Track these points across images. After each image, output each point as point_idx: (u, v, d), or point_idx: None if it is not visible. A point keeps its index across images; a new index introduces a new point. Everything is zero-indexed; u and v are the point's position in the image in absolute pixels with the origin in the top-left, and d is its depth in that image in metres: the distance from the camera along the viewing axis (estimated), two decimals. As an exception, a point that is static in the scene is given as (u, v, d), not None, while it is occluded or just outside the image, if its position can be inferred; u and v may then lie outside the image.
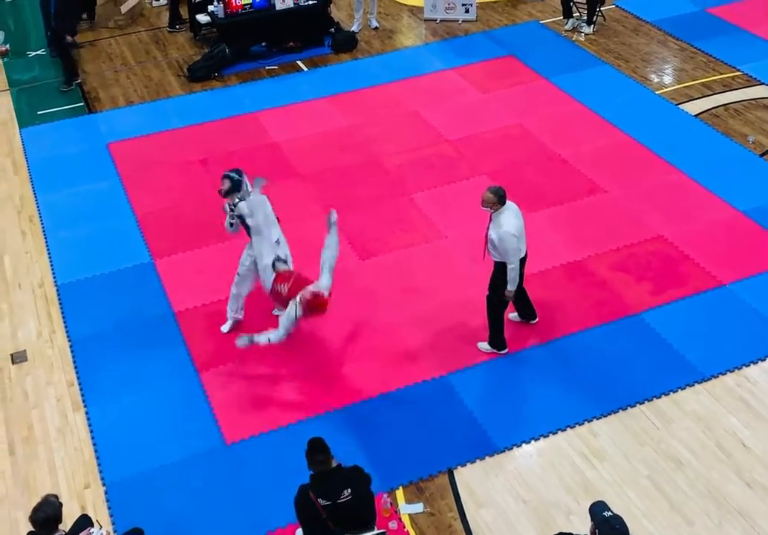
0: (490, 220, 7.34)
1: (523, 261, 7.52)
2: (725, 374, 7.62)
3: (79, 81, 12.93)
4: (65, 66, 12.85)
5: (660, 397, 7.45)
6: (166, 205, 10.21)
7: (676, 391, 7.50)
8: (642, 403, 7.41)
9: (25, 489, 6.99)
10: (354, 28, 14.06)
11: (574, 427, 7.25)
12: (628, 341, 8.00)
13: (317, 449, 5.71)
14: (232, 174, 7.81)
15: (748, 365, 7.67)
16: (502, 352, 7.95)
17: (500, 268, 7.44)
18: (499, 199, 7.23)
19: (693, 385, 7.54)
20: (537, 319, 8.23)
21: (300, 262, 8.05)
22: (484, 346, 7.99)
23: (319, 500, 5.61)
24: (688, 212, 9.55)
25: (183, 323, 8.53)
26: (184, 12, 14.60)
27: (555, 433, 7.22)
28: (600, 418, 7.31)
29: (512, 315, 8.24)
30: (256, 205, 7.75)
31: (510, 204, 7.34)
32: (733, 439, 7.06)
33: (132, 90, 12.83)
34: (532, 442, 7.17)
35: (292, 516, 5.86)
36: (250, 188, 7.85)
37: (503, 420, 7.35)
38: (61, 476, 7.11)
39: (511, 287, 7.43)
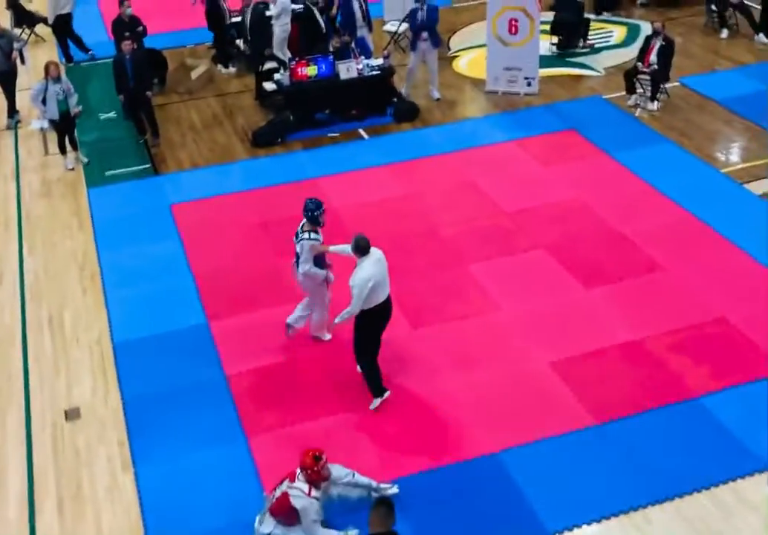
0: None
1: (387, 308, 7.96)
2: (788, 464, 7.36)
3: (145, 139, 13.35)
4: (149, 121, 13.39)
5: (718, 485, 7.20)
6: (224, 268, 10.33)
7: (736, 480, 7.24)
8: (700, 491, 7.17)
9: (70, 550, 7.00)
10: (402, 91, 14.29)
11: (628, 513, 7.03)
12: (687, 426, 7.78)
13: (386, 509, 5.68)
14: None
15: (813, 456, 7.41)
16: (385, 396, 8.18)
17: (361, 314, 7.84)
18: (356, 248, 7.73)
19: (753, 474, 7.27)
20: None
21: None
22: (375, 404, 8.19)
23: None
24: (751, 294, 9.34)
25: (234, 387, 8.53)
26: (251, 80, 15.01)
27: (608, 518, 7.00)
28: (655, 505, 7.08)
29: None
30: None
31: (374, 251, 7.83)
32: (796, 534, 6.78)
33: (198, 153, 13.13)
34: (584, 526, 6.96)
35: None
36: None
37: (555, 502, 7.16)
38: (107, 537, 7.10)
39: (337, 320, 7.93)
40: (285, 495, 6.68)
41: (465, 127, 13.65)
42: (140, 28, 14.30)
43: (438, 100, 14.43)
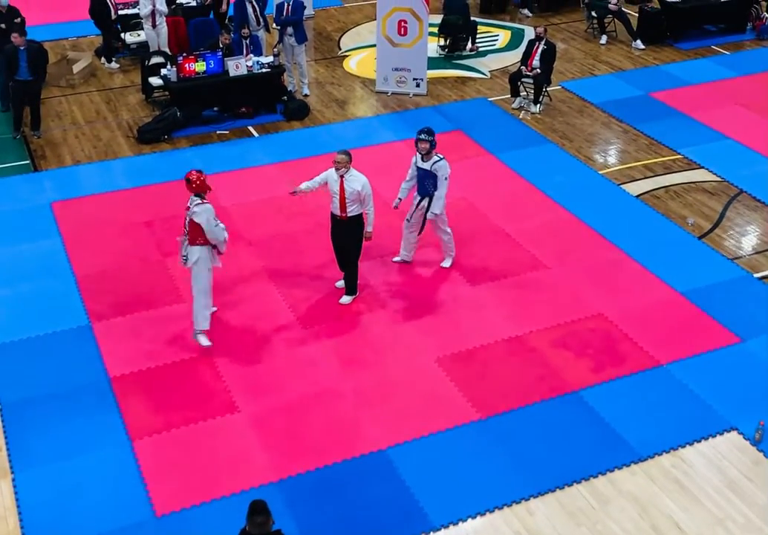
0: (343, 180, 8.98)
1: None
2: (661, 454, 7.66)
3: (23, 133, 12.95)
4: (34, 113, 13.09)
5: (597, 476, 7.46)
6: (107, 267, 10.09)
7: (613, 470, 7.51)
8: (579, 482, 7.41)
9: (-59, 561, 6.71)
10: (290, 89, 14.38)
11: (511, 505, 7.21)
12: (567, 419, 8.03)
13: (258, 511, 5.63)
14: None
15: (684, 447, 7.72)
16: (356, 295, 9.51)
17: (356, 220, 9.14)
18: (350, 158, 8.94)
19: (629, 465, 7.56)
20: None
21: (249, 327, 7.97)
22: (347, 300, 9.46)
23: (253, 563, 5.49)
24: (628, 291, 9.71)
25: (117, 389, 8.35)
26: (136, 75, 14.69)
27: (492, 511, 7.16)
28: (537, 496, 7.28)
29: (339, 283, 9.64)
30: None
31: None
32: (668, 521, 7.07)
33: (80, 149, 12.78)
34: (469, 520, 7.10)
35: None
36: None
37: (440, 497, 7.28)
38: (-19, 547, 6.85)
39: (370, 228, 9.20)
40: (192, 222, 8.17)
41: (355, 126, 13.71)
42: (18, 19, 13.76)
43: (306, 96, 14.45)
